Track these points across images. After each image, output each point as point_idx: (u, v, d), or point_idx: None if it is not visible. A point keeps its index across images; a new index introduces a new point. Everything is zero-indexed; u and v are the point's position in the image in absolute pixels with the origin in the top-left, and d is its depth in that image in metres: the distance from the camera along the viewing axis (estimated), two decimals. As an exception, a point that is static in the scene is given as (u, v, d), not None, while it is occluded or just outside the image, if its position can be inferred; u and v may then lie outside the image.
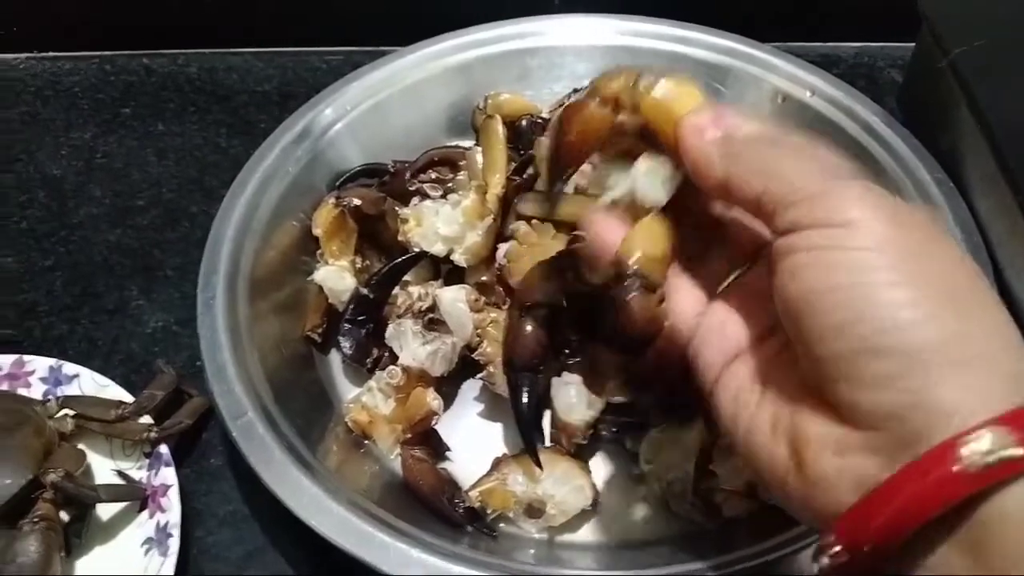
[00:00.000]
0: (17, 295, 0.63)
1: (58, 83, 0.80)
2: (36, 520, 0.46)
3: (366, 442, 0.52)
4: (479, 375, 0.53)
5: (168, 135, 0.74)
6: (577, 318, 0.46)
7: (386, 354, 0.54)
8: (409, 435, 0.51)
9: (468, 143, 0.65)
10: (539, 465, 0.47)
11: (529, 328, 0.46)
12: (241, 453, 0.45)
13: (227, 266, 0.54)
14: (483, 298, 0.53)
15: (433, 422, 0.51)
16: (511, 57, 0.68)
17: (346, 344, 0.55)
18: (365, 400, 0.52)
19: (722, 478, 0.47)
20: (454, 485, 0.50)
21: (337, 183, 0.62)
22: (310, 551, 0.48)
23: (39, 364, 0.55)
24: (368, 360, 0.54)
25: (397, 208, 0.57)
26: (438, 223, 0.55)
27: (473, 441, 0.53)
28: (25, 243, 0.67)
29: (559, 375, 0.50)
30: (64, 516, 0.47)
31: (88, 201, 0.69)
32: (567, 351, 0.49)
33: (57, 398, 0.52)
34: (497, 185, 0.56)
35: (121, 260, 0.65)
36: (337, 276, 0.55)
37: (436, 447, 0.52)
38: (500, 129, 0.60)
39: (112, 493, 0.49)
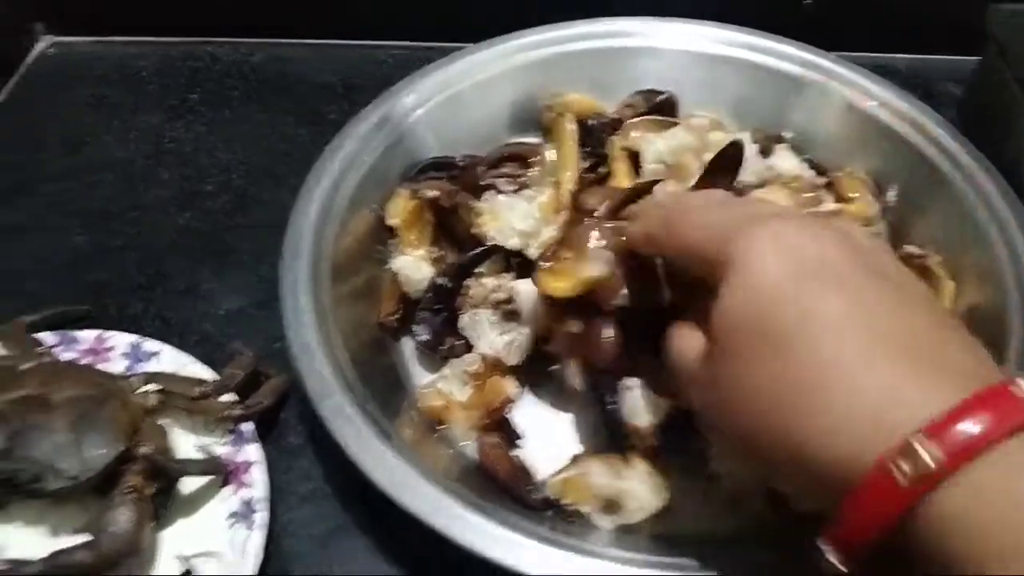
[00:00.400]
0: (89, 274, 0.64)
1: (124, 67, 0.81)
2: (127, 491, 0.47)
3: (439, 427, 0.53)
4: (551, 367, 0.54)
5: (235, 122, 0.76)
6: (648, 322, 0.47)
7: (459, 343, 0.56)
8: (485, 421, 0.52)
9: (532, 139, 0.67)
10: (626, 463, 0.48)
11: (611, 330, 0.48)
12: (330, 432, 0.47)
13: (309, 250, 0.55)
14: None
15: (508, 410, 0.52)
16: (579, 57, 0.69)
17: (422, 332, 0.56)
18: (440, 386, 0.54)
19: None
20: (527, 473, 0.51)
21: (408, 175, 0.63)
22: (393, 530, 0.50)
23: (120, 340, 0.57)
24: (443, 348, 0.56)
25: (471, 202, 0.58)
26: (514, 218, 0.56)
27: (540, 431, 0.54)
28: (95, 223, 0.68)
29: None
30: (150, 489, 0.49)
31: (157, 184, 0.71)
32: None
33: (141, 374, 0.54)
34: (570, 182, 0.57)
35: (192, 243, 0.66)
36: (414, 265, 0.57)
37: (509, 434, 0.53)
38: (572, 127, 0.61)
39: (198, 467, 0.50)
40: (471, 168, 0.62)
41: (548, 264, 0.48)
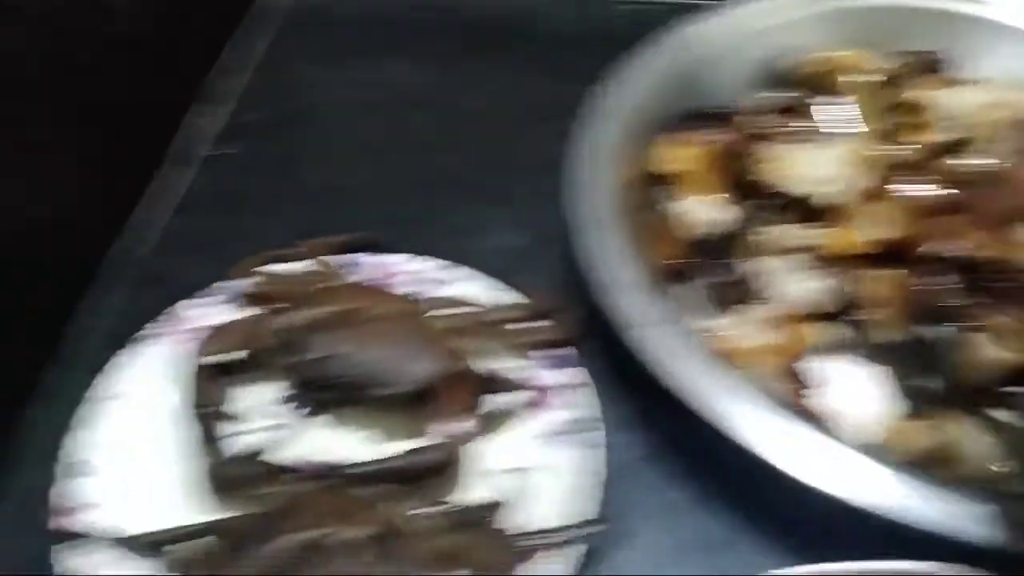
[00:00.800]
0: (378, 203, 0.67)
1: (367, 15, 0.83)
2: (453, 404, 0.49)
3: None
4: (847, 317, 0.54)
5: (480, 71, 0.77)
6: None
7: (747, 289, 0.56)
8: (779, 370, 0.53)
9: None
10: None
11: (939, 279, 0.48)
12: (653, 361, 0.48)
13: (591, 191, 0.56)
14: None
15: (803, 359, 0.53)
16: (841, 15, 0.69)
17: (712, 276, 0.56)
18: (732, 332, 0.54)
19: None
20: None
21: (682, 121, 0.63)
22: (706, 454, 0.50)
23: (408, 266, 0.59)
24: (731, 294, 0.56)
25: (760, 149, 0.59)
26: (810, 167, 0.56)
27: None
28: (359, 159, 0.71)
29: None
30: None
31: (414, 129, 0.73)
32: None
33: (440, 298, 0.56)
34: (875, 135, 0.57)
35: (464, 182, 0.68)
36: (702, 209, 0.57)
37: (805, 382, 0.53)
38: (869, 79, 0.61)
39: (525, 388, 0.52)
40: (748, 117, 0.62)
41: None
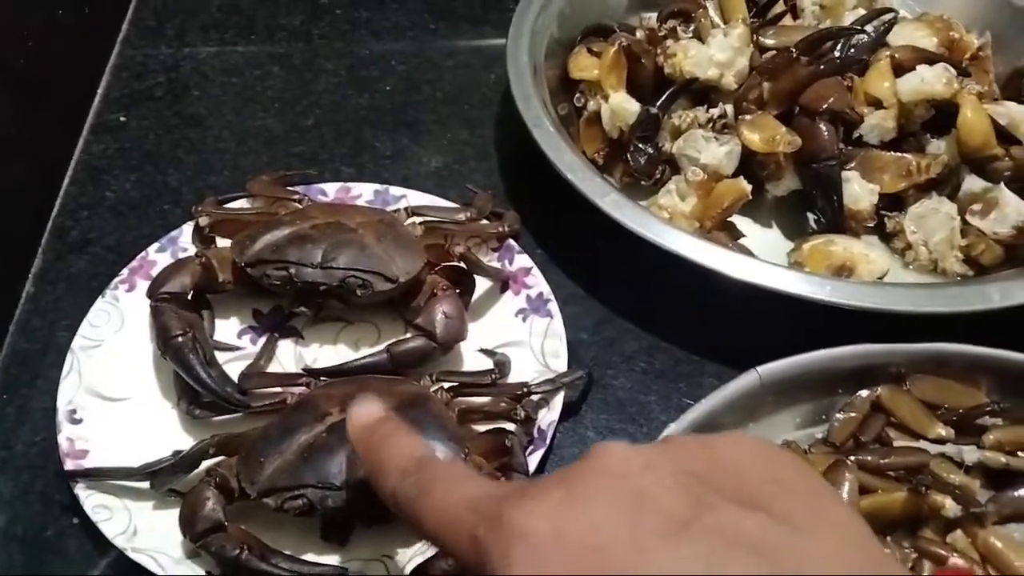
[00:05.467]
0: (293, 147, 0.69)
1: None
2: (444, 287, 0.53)
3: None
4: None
5: (374, 20, 0.81)
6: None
7: (667, 169, 0.63)
8: (710, 224, 0.60)
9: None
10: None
11: (824, 128, 0.57)
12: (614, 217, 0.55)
13: (526, 101, 0.62)
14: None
15: (734, 211, 0.60)
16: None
17: (639, 159, 0.63)
18: (662, 201, 0.61)
19: (983, 227, 0.58)
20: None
21: (589, 35, 0.70)
22: (654, 315, 0.58)
23: (364, 189, 0.62)
24: (656, 173, 0.63)
25: (657, 49, 0.66)
26: (712, 50, 0.63)
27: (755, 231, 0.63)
28: (277, 109, 0.73)
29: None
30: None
31: (323, 73, 0.76)
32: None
33: (406, 208, 0.59)
34: (746, 21, 0.65)
35: (380, 117, 0.72)
36: (626, 101, 0.64)
37: (733, 233, 0.61)
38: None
39: (493, 273, 0.56)
40: (645, 25, 0.70)
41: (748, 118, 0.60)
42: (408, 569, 0.44)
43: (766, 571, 0.25)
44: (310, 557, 0.45)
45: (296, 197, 0.60)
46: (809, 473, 0.29)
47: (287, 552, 0.44)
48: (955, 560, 0.45)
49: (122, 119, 0.71)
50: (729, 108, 0.63)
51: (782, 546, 0.25)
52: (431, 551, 0.44)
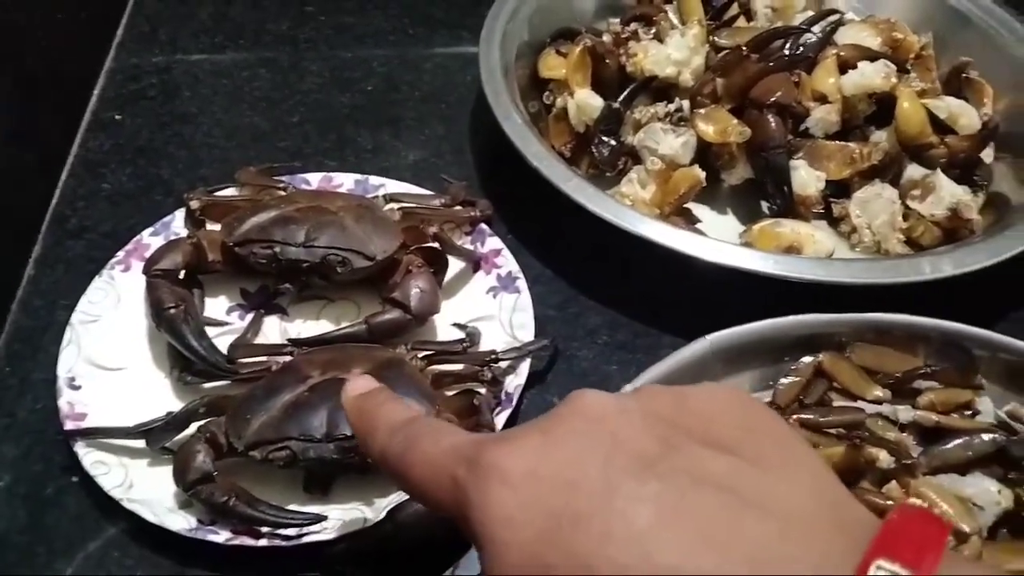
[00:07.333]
0: (279, 142, 0.73)
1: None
2: (419, 265, 0.57)
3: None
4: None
5: (356, 24, 0.85)
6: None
7: (629, 160, 0.68)
8: (668, 211, 0.65)
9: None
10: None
11: (772, 119, 0.62)
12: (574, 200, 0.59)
13: (498, 99, 0.66)
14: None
15: (690, 198, 0.65)
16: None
17: (603, 151, 0.67)
18: (624, 189, 0.66)
19: (921, 210, 0.63)
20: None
21: (556, 39, 0.74)
22: (615, 292, 0.62)
23: (346, 178, 0.66)
24: (619, 163, 0.68)
25: (623, 48, 0.70)
26: (670, 49, 0.68)
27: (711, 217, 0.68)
28: (264, 107, 0.77)
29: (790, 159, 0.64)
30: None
31: (308, 74, 0.80)
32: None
33: (384, 195, 0.64)
34: (702, 21, 0.70)
35: (362, 115, 0.76)
36: (591, 97, 0.68)
37: (689, 219, 0.65)
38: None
39: (465, 253, 0.60)
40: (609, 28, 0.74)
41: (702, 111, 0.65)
42: (384, 513, 0.48)
43: (733, 508, 0.26)
44: (294, 507, 0.49)
45: (281, 186, 0.64)
46: (780, 421, 0.31)
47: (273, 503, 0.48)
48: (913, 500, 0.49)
49: (117, 117, 0.75)
50: (686, 103, 0.67)
51: (750, 486, 0.27)
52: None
